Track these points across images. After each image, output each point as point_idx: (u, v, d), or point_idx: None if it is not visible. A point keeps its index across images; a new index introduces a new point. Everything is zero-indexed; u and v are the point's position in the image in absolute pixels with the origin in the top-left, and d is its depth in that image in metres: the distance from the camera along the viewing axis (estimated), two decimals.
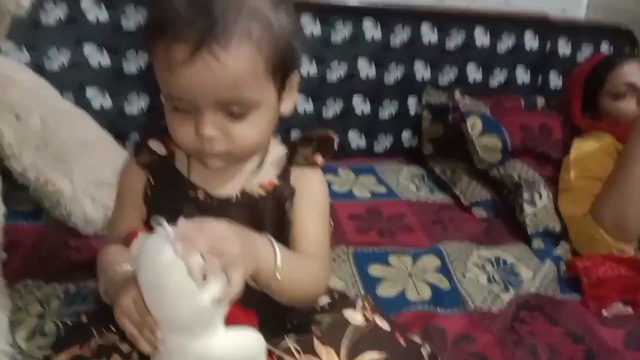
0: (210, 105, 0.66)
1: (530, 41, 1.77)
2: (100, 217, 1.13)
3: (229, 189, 0.77)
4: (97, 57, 1.40)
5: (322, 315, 0.78)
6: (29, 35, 1.32)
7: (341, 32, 1.56)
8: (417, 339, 0.80)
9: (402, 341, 0.77)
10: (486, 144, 1.49)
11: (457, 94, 1.65)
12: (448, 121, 1.65)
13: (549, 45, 1.80)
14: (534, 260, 1.26)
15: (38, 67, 1.33)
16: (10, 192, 1.17)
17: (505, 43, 1.75)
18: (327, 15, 1.54)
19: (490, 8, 1.74)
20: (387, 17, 1.59)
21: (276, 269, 0.67)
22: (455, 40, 1.68)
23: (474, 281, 1.16)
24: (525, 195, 1.36)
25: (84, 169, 1.15)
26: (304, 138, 0.78)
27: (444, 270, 1.18)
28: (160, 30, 0.65)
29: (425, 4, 1.66)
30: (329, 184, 1.42)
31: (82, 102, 1.38)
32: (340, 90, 1.62)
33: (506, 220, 1.41)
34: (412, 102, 1.71)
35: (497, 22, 1.72)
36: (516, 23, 1.74)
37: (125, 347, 0.71)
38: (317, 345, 0.72)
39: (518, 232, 1.36)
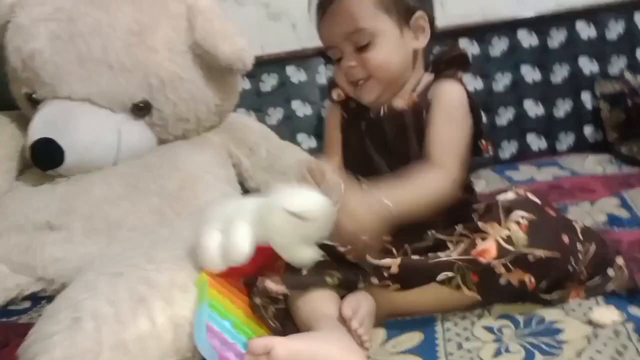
0: (343, 41, 0.92)
1: None
2: None
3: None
4: (302, 110, 1.79)
5: (478, 204, 0.94)
6: (253, 101, 1.76)
7: (498, 45, 1.73)
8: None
9: (552, 212, 0.87)
10: None
11: (630, 76, 1.68)
12: (628, 106, 1.68)
13: None
14: None
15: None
16: None
17: None
18: (483, 34, 1.74)
19: None
20: (539, 24, 1.73)
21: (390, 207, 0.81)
22: (615, 30, 1.74)
23: None
24: None
25: None
26: (435, 59, 0.98)
27: (625, 206, 1.21)
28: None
29: (579, 4, 1.74)
30: (509, 178, 1.50)
31: None
32: (509, 98, 1.75)
33: None
34: (585, 97, 1.76)
35: None
36: None
37: None
38: (481, 225, 0.87)
39: None
